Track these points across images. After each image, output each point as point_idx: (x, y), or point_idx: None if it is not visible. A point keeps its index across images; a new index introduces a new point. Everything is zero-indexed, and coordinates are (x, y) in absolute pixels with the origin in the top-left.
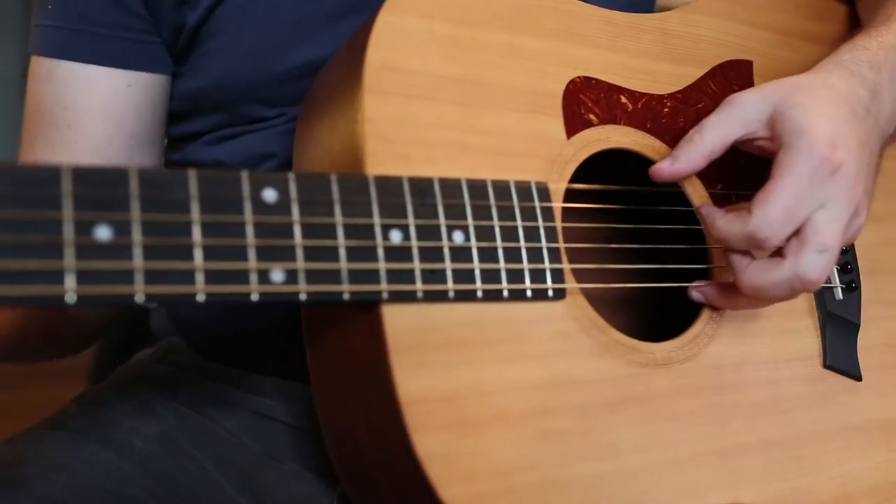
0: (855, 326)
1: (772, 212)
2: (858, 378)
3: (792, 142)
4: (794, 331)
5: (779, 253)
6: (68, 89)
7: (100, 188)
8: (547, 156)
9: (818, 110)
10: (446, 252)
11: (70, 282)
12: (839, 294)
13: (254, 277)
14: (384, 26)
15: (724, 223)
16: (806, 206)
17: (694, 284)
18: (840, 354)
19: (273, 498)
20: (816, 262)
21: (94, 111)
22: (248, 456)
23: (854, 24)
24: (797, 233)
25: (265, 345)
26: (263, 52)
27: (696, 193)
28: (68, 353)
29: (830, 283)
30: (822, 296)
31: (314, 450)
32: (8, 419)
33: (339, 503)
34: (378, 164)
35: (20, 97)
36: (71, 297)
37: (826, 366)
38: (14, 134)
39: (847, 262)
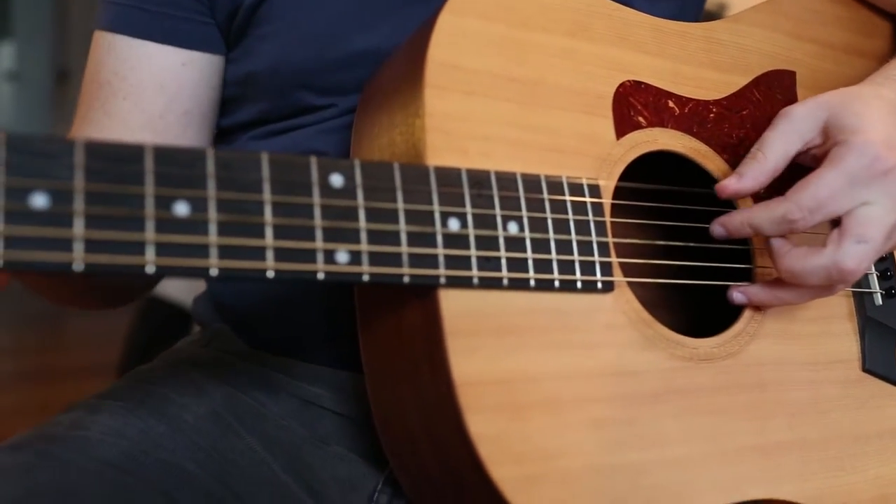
0: (894, 332)
1: (804, 198)
2: None
3: (847, 139)
4: (833, 334)
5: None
6: (125, 63)
7: (179, 167)
8: (598, 155)
9: (873, 115)
10: (501, 241)
11: (150, 253)
12: (878, 300)
13: (320, 257)
14: (446, 25)
15: (757, 209)
16: (845, 200)
17: (735, 285)
18: (879, 359)
19: (318, 478)
20: (854, 252)
21: (149, 85)
22: (295, 438)
23: None
24: (839, 224)
25: (311, 334)
26: (319, 39)
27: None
28: (111, 304)
29: (871, 288)
30: (862, 301)
31: (360, 435)
32: (37, 417)
33: (385, 486)
34: (438, 155)
35: (52, 98)
36: (150, 268)
37: (865, 370)
38: (47, 130)
39: (887, 269)
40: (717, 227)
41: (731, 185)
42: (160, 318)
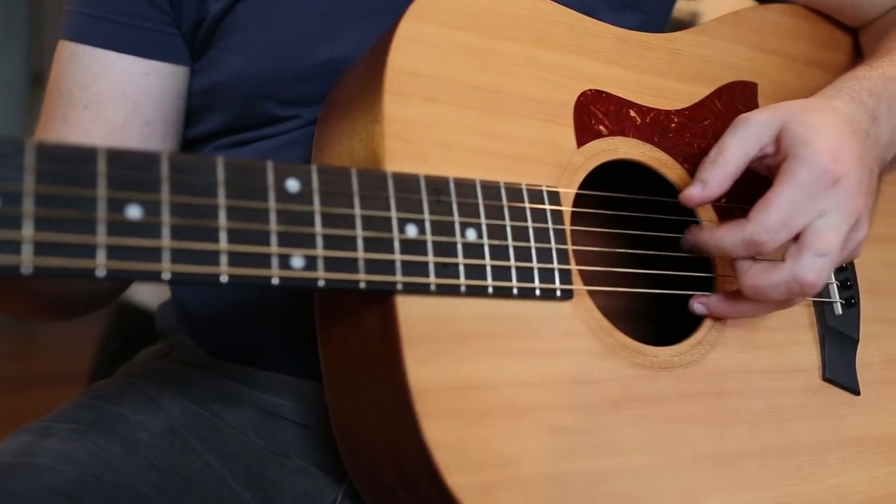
0: (853, 342)
1: (770, 218)
2: (857, 392)
3: (796, 153)
4: (794, 343)
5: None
6: (88, 71)
7: (132, 169)
8: (558, 163)
9: (822, 127)
10: (459, 248)
11: (101, 256)
12: (839, 309)
13: (275, 262)
14: (407, 32)
15: (723, 232)
16: (804, 214)
17: (696, 296)
18: (839, 368)
19: (278, 493)
20: (814, 266)
21: (111, 94)
22: (254, 452)
23: (858, 54)
24: (797, 238)
25: (272, 342)
26: (284, 50)
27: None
28: (61, 316)
29: (830, 297)
30: (823, 310)
31: (320, 446)
32: (8, 424)
33: (344, 499)
34: (397, 162)
35: (25, 100)
36: (101, 271)
37: (825, 379)
38: (20, 135)
39: (847, 279)
40: (690, 236)
41: (696, 193)
42: (132, 324)
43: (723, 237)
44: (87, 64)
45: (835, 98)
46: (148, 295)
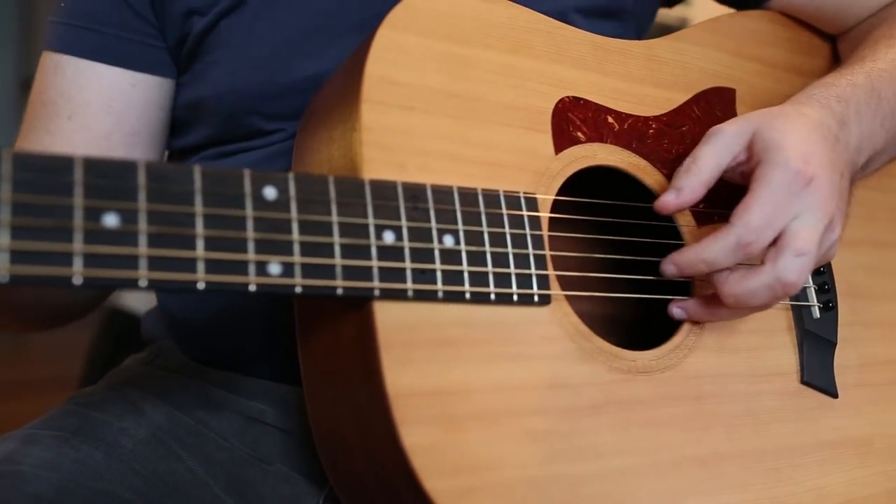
0: (831, 345)
1: (753, 219)
2: (835, 395)
3: (769, 157)
4: (772, 347)
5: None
6: (73, 83)
7: (109, 178)
8: (536, 169)
9: (792, 132)
10: (436, 254)
11: (78, 264)
12: (816, 313)
13: (252, 269)
14: (384, 41)
15: (706, 244)
16: (783, 215)
17: (674, 300)
18: (817, 371)
19: (261, 499)
20: (794, 265)
21: (96, 105)
22: (236, 458)
23: (836, 61)
24: (774, 242)
25: (255, 347)
26: (268, 65)
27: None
28: (39, 327)
29: (808, 301)
30: (801, 314)
31: (302, 452)
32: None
33: None
34: (374, 169)
35: (16, 106)
36: (78, 279)
37: (803, 382)
38: (10, 142)
39: (824, 283)
40: (669, 266)
41: (670, 200)
42: (122, 330)
43: (708, 249)
44: (72, 75)
45: (804, 105)
46: (138, 300)
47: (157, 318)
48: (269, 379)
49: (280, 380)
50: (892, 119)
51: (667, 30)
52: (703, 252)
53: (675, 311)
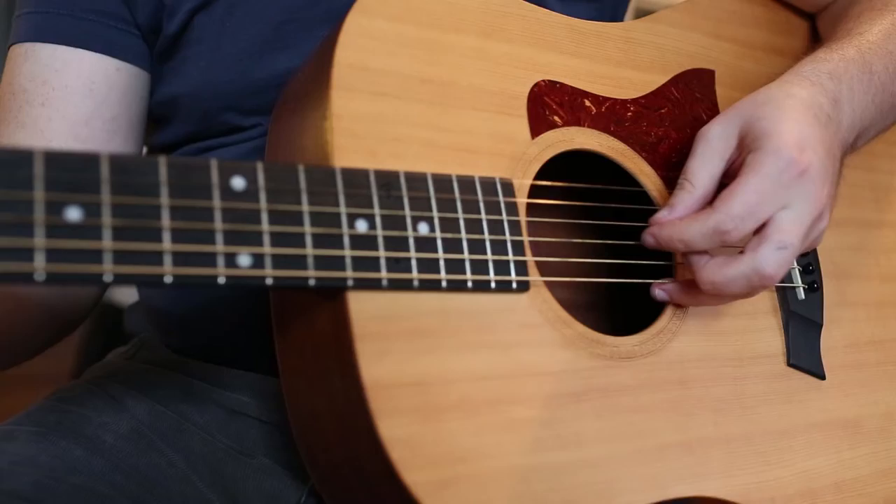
0: (818, 326)
1: (734, 206)
2: (822, 377)
3: (761, 145)
4: (757, 329)
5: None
6: (49, 67)
7: (71, 171)
8: (512, 154)
9: (784, 117)
10: (411, 242)
11: (39, 260)
12: (801, 294)
13: (221, 261)
14: (353, 27)
15: (686, 223)
16: (769, 205)
17: (657, 282)
18: (803, 353)
19: (243, 493)
20: (774, 258)
21: (76, 88)
22: (219, 451)
23: (816, 40)
24: (759, 230)
25: (237, 339)
26: (241, 61)
27: (659, 193)
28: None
29: (793, 282)
30: (785, 295)
31: (285, 445)
32: None
33: (309, 498)
34: (345, 157)
35: None
36: (40, 275)
37: (790, 364)
38: None
39: (809, 264)
40: (648, 237)
41: (663, 217)
42: (113, 325)
43: (687, 229)
44: (46, 60)
45: (794, 84)
46: (130, 296)
47: (139, 312)
48: (251, 371)
49: (263, 372)
50: (882, 94)
51: (649, 12)
52: (682, 232)
53: (658, 292)
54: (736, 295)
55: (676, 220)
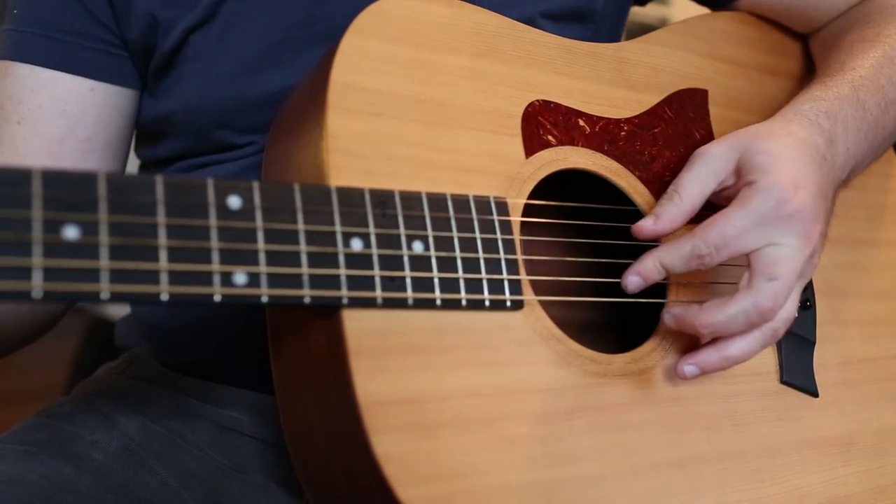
0: (810, 344)
1: (711, 234)
2: (815, 394)
3: (756, 179)
4: None
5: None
6: (25, 87)
7: (69, 190)
8: (506, 174)
9: (781, 155)
10: (406, 261)
11: (37, 278)
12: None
13: (217, 279)
14: (349, 48)
15: (667, 247)
16: (751, 240)
17: (685, 358)
18: (796, 371)
19: None
20: (767, 290)
21: (49, 109)
22: (212, 468)
23: (808, 60)
24: (748, 267)
25: (229, 356)
26: (235, 79)
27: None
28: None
29: None
30: None
31: (279, 462)
32: None
33: None
34: (341, 176)
35: None
36: (38, 293)
37: (783, 381)
38: None
39: None
40: (633, 278)
41: (647, 226)
42: (105, 339)
43: (664, 253)
44: (24, 80)
45: (793, 122)
46: (122, 309)
47: (130, 326)
48: (244, 387)
49: (256, 388)
50: (875, 129)
51: (648, 30)
52: (660, 256)
53: (688, 368)
54: (737, 334)
55: (653, 250)
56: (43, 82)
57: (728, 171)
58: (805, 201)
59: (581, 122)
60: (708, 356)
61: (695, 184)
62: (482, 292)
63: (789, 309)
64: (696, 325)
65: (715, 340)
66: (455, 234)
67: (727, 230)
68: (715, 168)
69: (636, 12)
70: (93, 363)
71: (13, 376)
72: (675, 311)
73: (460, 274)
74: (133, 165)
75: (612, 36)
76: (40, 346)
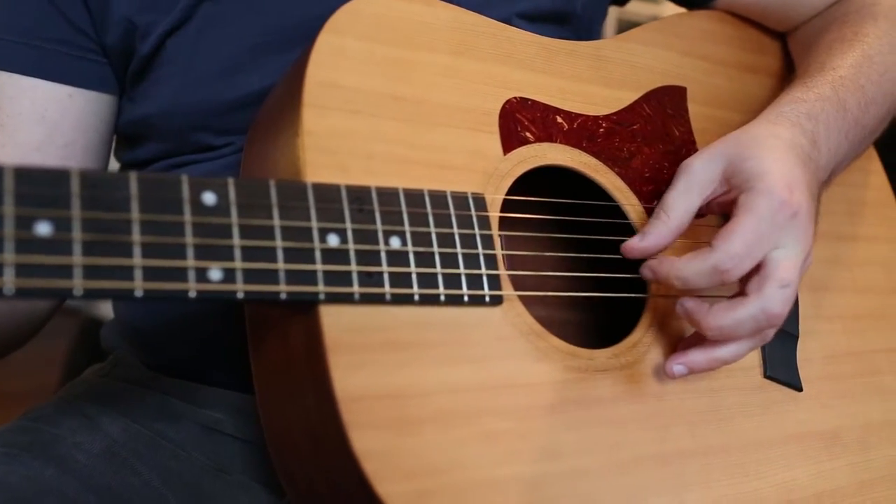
0: (794, 338)
1: (734, 246)
2: (799, 388)
3: (753, 185)
4: None
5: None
6: (3, 94)
7: (41, 186)
8: (484, 170)
9: (771, 156)
10: (383, 256)
11: (9, 274)
12: None
13: (191, 275)
14: (325, 46)
15: (685, 261)
16: (764, 245)
17: (674, 357)
18: (780, 365)
19: None
20: (779, 296)
21: (27, 116)
22: (195, 468)
23: (787, 58)
24: (757, 271)
25: (211, 356)
26: (212, 81)
27: (633, 208)
28: None
29: None
30: None
31: (261, 461)
32: None
33: None
34: (317, 173)
35: None
36: (9, 290)
37: (766, 376)
38: None
39: None
40: (647, 271)
41: (635, 245)
42: (98, 340)
43: (684, 268)
44: (2, 86)
45: (776, 124)
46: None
47: (115, 328)
48: (226, 388)
49: (238, 388)
50: (855, 130)
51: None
52: (680, 270)
53: (677, 368)
54: (742, 338)
55: (675, 258)
56: (22, 90)
57: (714, 181)
58: (801, 201)
59: (559, 119)
60: (697, 357)
61: (680, 200)
62: (460, 287)
63: (788, 311)
64: (702, 326)
65: (704, 340)
66: (433, 229)
67: (748, 237)
68: (700, 181)
69: (627, 11)
70: (84, 365)
71: (4, 378)
72: (689, 305)
73: (438, 269)
74: (113, 169)
75: (591, 37)
76: (31, 348)
